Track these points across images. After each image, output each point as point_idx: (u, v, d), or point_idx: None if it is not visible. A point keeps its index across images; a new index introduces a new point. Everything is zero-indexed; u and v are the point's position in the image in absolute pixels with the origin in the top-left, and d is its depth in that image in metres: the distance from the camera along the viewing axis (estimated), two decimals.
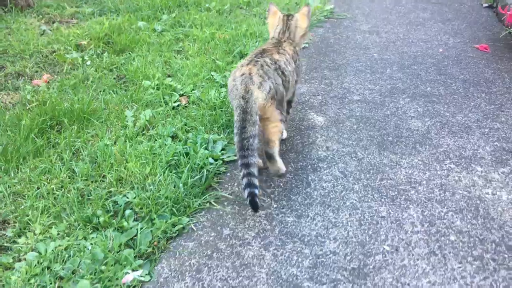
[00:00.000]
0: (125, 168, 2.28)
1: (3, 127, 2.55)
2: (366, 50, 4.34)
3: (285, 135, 2.75)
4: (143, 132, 2.66)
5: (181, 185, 2.18)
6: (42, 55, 3.74)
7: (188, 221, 2.06)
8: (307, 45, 4.39)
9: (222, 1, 5.44)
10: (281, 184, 2.35)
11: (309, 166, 2.51)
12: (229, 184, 2.34)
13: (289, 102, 2.65)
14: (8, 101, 2.96)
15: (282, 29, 2.64)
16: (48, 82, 3.27)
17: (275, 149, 2.29)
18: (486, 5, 5.89)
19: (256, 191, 2.02)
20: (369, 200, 2.24)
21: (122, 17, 4.52)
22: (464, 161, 2.56)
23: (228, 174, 2.42)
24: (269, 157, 2.32)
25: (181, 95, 3.15)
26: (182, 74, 3.41)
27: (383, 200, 2.24)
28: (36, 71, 3.49)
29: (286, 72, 2.31)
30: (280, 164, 2.36)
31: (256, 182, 2.02)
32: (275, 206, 2.19)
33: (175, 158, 2.40)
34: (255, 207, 2.02)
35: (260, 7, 5.46)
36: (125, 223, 1.95)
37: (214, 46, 3.97)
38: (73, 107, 2.70)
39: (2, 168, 2.26)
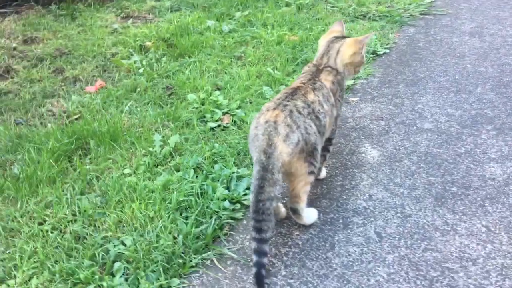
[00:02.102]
0: (130, 208, 2.09)
1: (31, 146, 2.50)
2: (459, 58, 3.69)
3: (323, 174, 2.38)
4: (168, 160, 2.45)
5: (180, 237, 1.94)
6: (104, 58, 3.69)
7: (178, 284, 1.82)
8: (387, 51, 3.85)
9: None
10: (300, 243, 2.00)
11: (341, 220, 2.12)
12: (241, 236, 2.06)
13: (329, 140, 2.26)
14: (52, 111, 2.93)
15: (322, 53, 2.24)
16: (99, 89, 3.19)
17: (301, 205, 1.98)
18: None
19: (265, 261, 1.76)
20: (400, 280, 1.81)
21: (192, 16, 4.33)
22: None
23: (245, 222, 2.13)
24: (294, 211, 2.01)
25: (224, 113, 2.88)
26: (232, 86, 3.13)
27: (418, 282, 1.80)
28: (94, 76, 3.44)
29: (320, 116, 1.93)
30: (306, 219, 2.07)
31: (267, 249, 1.77)
32: (283, 273, 1.86)
33: (189, 197, 2.16)
34: (260, 283, 1.73)
35: (349, 0, 4.93)
36: (107, 282, 1.76)
37: (279, 51, 3.62)
38: (101, 127, 2.57)
39: (11, 197, 2.19)
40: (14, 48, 3.84)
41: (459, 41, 4.04)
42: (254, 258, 1.76)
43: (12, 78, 3.40)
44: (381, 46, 3.90)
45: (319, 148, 1.93)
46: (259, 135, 1.79)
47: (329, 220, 2.13)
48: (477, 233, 2.01)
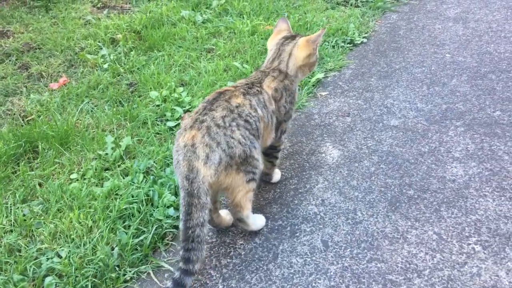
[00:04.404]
0: (68, 217, 2.03)
1: None
2: (439, 47, 3.55)
3: (276, 178, 2.30)
4: (118, 164, 2.38)
5: (116, 249, 1.87)
6: (73, 52, 3.61)
7: None
8: (365, 40, 3.71)
9: None
10: (242, 253, 1.93)
11: (289, 228, 2.04)
12: None
13: (274, 148, 2.16)
14: (12, 110, 2.86)
15: (272, 57, 2.13)
16: (63, 86, 3.11)
17: (245, 213, 1.90)
18: None
19: None
20: None
21: (167, 6, 4.21)
22: (497, 242, 1.89)
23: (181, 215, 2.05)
24: (239, 220, 1.94)
25: (186, 111, 2.79)
26: (197, 82, 3.04)
27: None
28: (59, 72, 3.36)
29: (252, 120, 1.83)
30: (253, 226, 2.00)
31: (189, 283, 1.66)
32: (220, 287, 1.79)
33: (133, 205, 2.09)
34: None
35: None
36: None
37: (251, 42, 3.50)
38: (50, 129, 2.50)
39: None
40: None
41: (441, 28, 3.89)
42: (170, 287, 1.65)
43: None
44: (359, 35, 3.76)
45: (256, 153, 1.82)
46: (180, 161, 1.69)
47: (276, 227, 2.05)
48: (428, 241, 1.92)
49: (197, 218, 1.63)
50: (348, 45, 3.65)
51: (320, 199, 2.19)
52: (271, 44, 2.18)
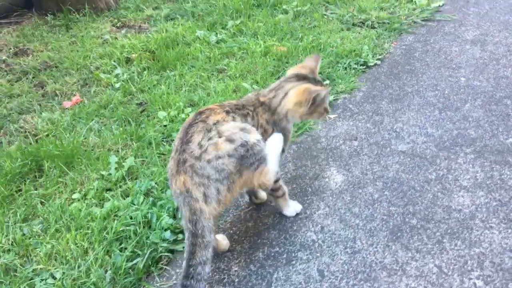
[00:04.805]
0: (65, 238, 2.04)
1: None
2: (454, 70, 3.48)
3: (289, 211, 2.22)
4: (120, 184, 2.39)
5: (109, 272, 1.87)
6: (88, 71, 3.67)
7: None
8: (379, 62, 3.67)
9: (306, 0, 4.84)
10: (236, 280, 1.91)
11: (285, 255, 2.01)
12: (177, 271, 1.97)
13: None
14: (24, 128, 2.92)
15: (274, 87, 2.08)
16: (75, 105, 3.17)
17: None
18: None
19: None
20: None
21: (183, 26, 4.26)
22: (500, 277, 1.81)
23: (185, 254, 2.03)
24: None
25: None
26: (206, 102, 3.05)
27: None
28: (73, 91, 3.42)
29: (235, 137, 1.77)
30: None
31: None
32: None
33: (130, 227, 2.09)
34: None
35: (350, 6, 4.74)
36: None
37: (263, 63, 3.51)
38: (55, 149, 2.53)
39: None
40: (3, 61, 3.88)
41: (458, 50, 3.81)
42: None
43: None
44: (373, 56, 3.72)
45: (253, 139, 1.77)
46: (181, 206, 1.70)
47: (273, 254, 2.02)
48: (427, 274, 1.86)
49: (200, 257, 1.64)
50: (361, 67, 3.61)
51: (319, 225, 2.15)
52: (287, 74, 2.12)
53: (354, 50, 3.72)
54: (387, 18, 4.43)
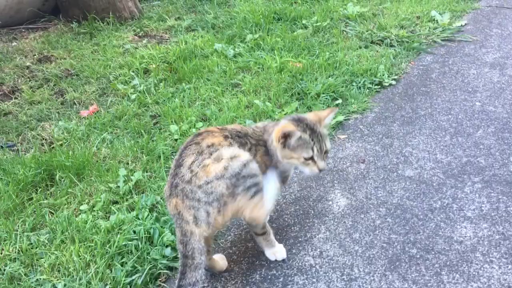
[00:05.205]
0: (69, 250, 2.10)
1: (1, 173, 2.58)
2: (470, 94, 3.45)
3: (269, 254, 2.13)
4: (127, 198, 2.45)
5: (107, 287, 1.92)
6: (107, 80, 3.77)
7: None
8: (394, 82, 3.67)
9: (326, 15, 4.86)
10: None
11: (281, 279, 2.03)
12: None
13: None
14: (41, 136, 3.02)
15: (275, 122, 2.07)
16: (92, 114, 3.26)
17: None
18: None
19: None
20: None
21: (202, 38, 4.33)
22: None
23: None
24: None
25: None
26: (218, 118, 3.09)
27: None
28: (91, 100, 3.51)
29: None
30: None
31: None
32: None
33: (133, 241, 2.14)
34: None
35: (370, 23, 4.74)
36: None
37: (278, 79, 3.54)
38: (67, 160, 2.61)
39: None
40: (27, 67, 4.01)
41: (476, 73, 3.78)
42: None
43: (16, 98, 3.55)
44: (388, 76, 3.72)
45: (247, 162, 1.75)
46: (176, 228, 1.75)
47: (269, 277, 2.04)
48: None
49: (190, 278, 1.68)
50: (376, 86, 3.61)
51: (318, 250, 2.16)
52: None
53: (370, 69, 3.72)
54: (407, 37, 4.41)
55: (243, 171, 1.71)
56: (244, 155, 1.76)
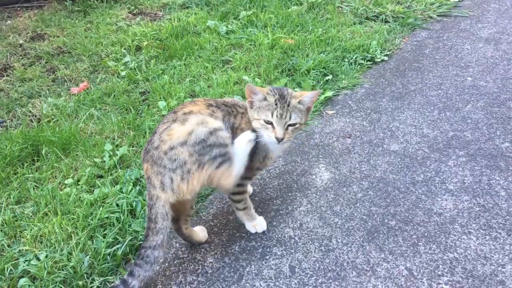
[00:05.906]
0: (51, 222, 2.14)
1: None
2: (462, 69, 3.42)
3: (249, 226, 2.16)
4: (112, 172, 2.48)
5: (86, 258, 1.96)
6: (99, 58, 3.77)
7: None
8: (386, 58, 3.64)
9: None
10: (209, 272, 1.97)
11: (260, 250, 2.05)
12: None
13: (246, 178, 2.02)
14: (31, 112, 3.04)
15: None
16: (82, 91, 3.27)
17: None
18: None
19: None
20: None
21: (196, 16, 4.31)
22: (469, 284, 1.82)
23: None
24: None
25: None
26: (207, 94, 3.10)
27: None
28: (82, 77, 3.52)
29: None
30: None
31: None
32: None
33: (114, 214, 2.17)
34: None
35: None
36: None
37: (269, 56, 3.52)
38: (55, 134, 2.63)
39: None
40: (20, 45, 4.01)
41: (470, 48, 3.74)
42: None
43: (8, 76, 3.56)
44: (381, 52, 3.69)
45: (215, 129, 1.73)
46: (146, 189, 1.78)
47: (248, 248, 2.07)
48: (396, 277, 1.88)
49: (151, 241, 1.71)
50: (368, 62, 3.59)
51: (299, 222, 2.18)
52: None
53: (363, 45, 3.69)
54: (403, 13, 4.36)
55: (210, 139, 1.70)
56: (213, 123, 1.74)
